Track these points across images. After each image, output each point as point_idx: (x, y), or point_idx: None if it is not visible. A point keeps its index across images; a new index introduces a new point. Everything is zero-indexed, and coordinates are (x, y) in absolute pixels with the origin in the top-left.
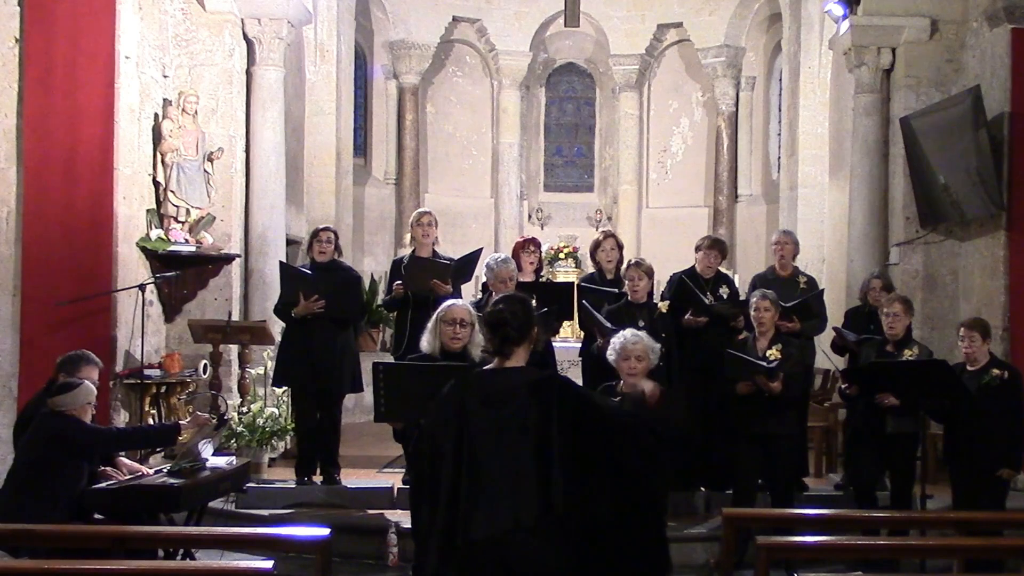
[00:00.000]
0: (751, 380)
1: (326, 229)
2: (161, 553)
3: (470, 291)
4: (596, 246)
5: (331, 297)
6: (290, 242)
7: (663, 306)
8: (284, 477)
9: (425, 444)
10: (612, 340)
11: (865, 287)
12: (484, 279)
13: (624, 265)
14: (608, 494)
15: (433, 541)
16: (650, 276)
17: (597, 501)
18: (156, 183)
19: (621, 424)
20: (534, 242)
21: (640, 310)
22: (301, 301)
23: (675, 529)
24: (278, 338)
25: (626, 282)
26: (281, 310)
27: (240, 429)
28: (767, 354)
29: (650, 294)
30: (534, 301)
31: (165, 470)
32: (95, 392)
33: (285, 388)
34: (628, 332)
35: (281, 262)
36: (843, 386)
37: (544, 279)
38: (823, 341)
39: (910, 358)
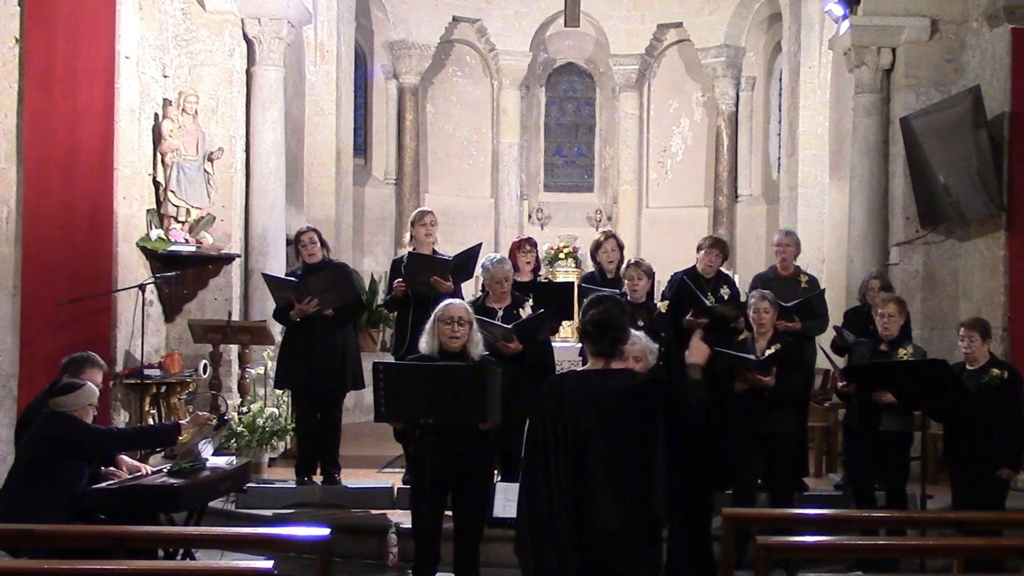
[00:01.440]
0: (744, 377)
1: (308, 230)
2: (161, 553)
3: (470, 291)
4: (597, 246)
5: (326, 293)
6: (290, 242)
7: (662, 306)
8: (284, 477)
9: (539, 435)
10: None
11: (863, 287)
12: (481, 279)
13: (624, 265)
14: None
15: (552, 534)
16: (649, 276)
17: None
18: (156, 183)
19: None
20: (530, 241)
21: (639, 310)
22: (295, 305)
23: None
24: (278, 338)
25: (625, 282)
26: (279, 314)
27: (240, 429)
28: (766, 354)
29: (650, 294)
30: (531, 301)
31: (165, 470)
32: (97, 393)
33: (285, 388)
34: None
35: (263, 274)
36: (841, 384)
37: (544, 279)
38: (824, 341)
39: (904, 357)
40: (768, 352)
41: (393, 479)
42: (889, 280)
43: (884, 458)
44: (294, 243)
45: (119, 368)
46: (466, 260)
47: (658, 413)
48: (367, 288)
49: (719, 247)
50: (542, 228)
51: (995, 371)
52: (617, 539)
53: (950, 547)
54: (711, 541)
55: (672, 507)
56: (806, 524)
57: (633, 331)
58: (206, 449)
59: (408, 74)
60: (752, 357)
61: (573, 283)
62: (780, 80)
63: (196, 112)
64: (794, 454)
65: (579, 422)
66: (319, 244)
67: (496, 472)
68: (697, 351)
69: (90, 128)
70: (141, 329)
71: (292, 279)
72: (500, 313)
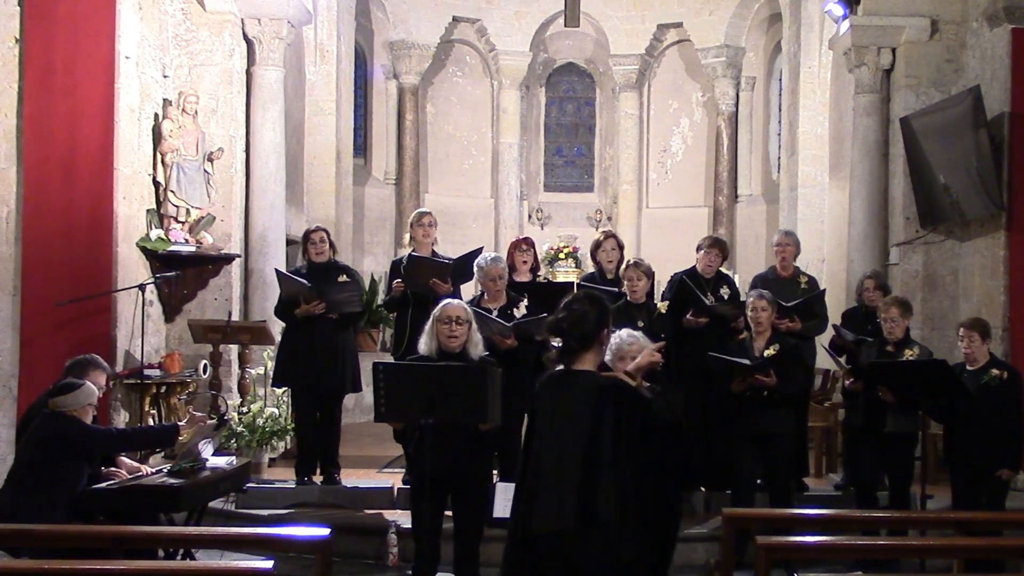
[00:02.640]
0: (743, 377)
1: (318, 229)
2: (161, 553)
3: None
4: (597, 246)
5: (337, 299)
6: (290, 242)
7: (662, 306)
8: (284, 477)
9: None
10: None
11: (859, 288)
12: (476, 279)
13: (623, 266)
14: (653, 496)
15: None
16: (649, 276)
17: (645, 504)
18: (156, 183)
19: (666, 427)
20: (527, 241)
21: (639, 310)
22: (302, 303)
23: None
24: (278, 338)
25: (625, 282)
26: (282, 311)
27: (240, 429)
28: (765, 355)
29: (649, 294)
30: (526, 301)
31: (165, 470)
32: (97, 394)
33: (285, 388)
34: (624, 332)
35: (276, 270)
36: (848, 381)
37: (543, 279)
38: (824, 341)
39: (910, 358)
40: (767, 352)
41: (393, 479)
42: (885, 280)
43: (889, 459)
44: (302, 241)
45: (119, 368)
46: (466, 263)
47: (612, 415)
48: (367, 288)
49: (718, 247)
50: (542, 228)
51: (995, 371)
52: (558, 540)
53: (950, 547)
54: (672, 547)
55: (626, 511)
56: (806, 524)
57: (632, 331)
58: (206, 449)
59: (408, 74)
60: (746, 361)
61: (570, 283)
62: (780, 80)
63: (196, 112)
64: (793, 454)
65: (539, 421)
66: (328, 244)
67: (496, 472)
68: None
69: (90, 128)
70: (141, 329)
71: (305, 281)
72: (495, 313)
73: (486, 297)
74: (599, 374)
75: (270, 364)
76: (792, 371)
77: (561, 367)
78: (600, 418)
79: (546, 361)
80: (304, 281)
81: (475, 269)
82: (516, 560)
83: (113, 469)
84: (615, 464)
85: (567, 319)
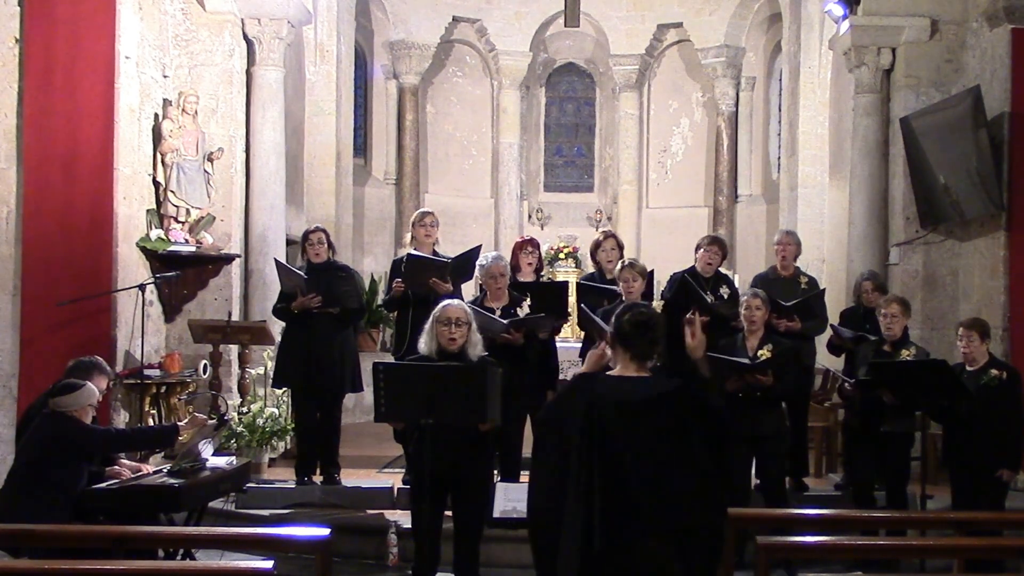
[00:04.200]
0: (739, 376)
1: (316, 230)
2: (161, 553)
3: (469, 292)
4: (596, 246)
5: (329, 294)
6: (290, 242)
7: (657, 306)
8: (284, 477)
9: (553, 437)
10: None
11: (857, 288)
12: (478, 278)
13: (618, 267)
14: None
15: (569, 542)
16: (644, 277)
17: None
18: (156, 183)
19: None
20: (532, 242)
21: None
22: (299, 296)
23: None
24: (278, 338)
25: (620, 284)
26: (280, 310)
27: (240, 429)
28: (758, 354)
29: (646, 295)
30: (528, 300)
31: (165, 470)
32: (97, 394)
33: (285, 388)
34: None
35: (276, 260)
36: (848, 383)
37: (546, 279)
38: (824, 341)
39: (907, 358)
40: (761, 352)
41: (393, 479)
42: (883, 280)
43: (885, 459)
44: (301, 241)
45: (119, 368)
46: (465, 261)
47: (693, 418)
48: (367, 288)
49: (717, 245)
50: (542, 228)
51: (994, 372)
52: (664, 546)
53: (950, 547)
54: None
55: (718, 512)
56: (806, 524)
57: None
58: (206, 449)
59: (408, 74)
60: (746, 361)
61: (568, 283)
62: (780, 80)
63: (196, 112)
64: (785, 455)
65: (613, 427)
66: (326, 245)
67: (496, 472)
68: (700, 342)
69: (90, 128)
70: (141, 329)
71: (302, 274)
72: (498, 312)
73: (488, 296)
74: (663, 378)
75: (270, 364)
76: (785, 372)
77: (619, 369)
78: (688, 423)
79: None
80: (301, 273)
81: (476, 268)
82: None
83: (115, 469)
84: (702, 464)
85: (645, 314)
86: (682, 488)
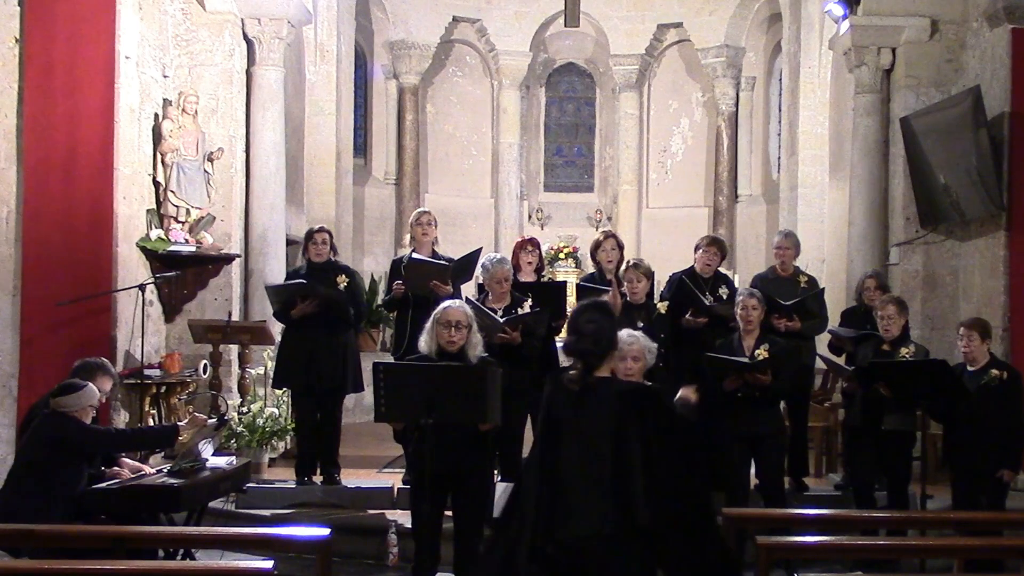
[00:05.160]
0: (738, 375)
1: (320, 230)
2: (161, 553)
3: (471, 291)
4: (596, 246)
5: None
6: (290, 242)
7: (662, 307)
8: (284, 477)
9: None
10: None
11: (859, 287)
12: (480, 280)
13: (623, 266)
14: (683, 501)
15: (524, 539)
16: (648, 277)
17: (676, 509)
18: (156, 183)
19: (693, 433)
20: (533, 242)
21: (639, 311)
22: (298, 303)
23: None
24: (278, 338)
25: (625, 283)
26: (280, 312)
27: (240, 429)
28: (755, 354)
29: (649, 295)
30: (529, 301)
31: (165, 470)
32: (97, 395)
33: (285, 388)
34: (624, 332)
35: (266, 286)
36: (846, 384)
37: (546, 279)
38: (824, 341)
39: (906, 357)
40: (758, 352)
41: (393, 479)
42: (885, 280)
43: (886, 457)
44: (304, 239)
45: (119, 368)
46: (466, 263)
47: (638, 420)
48: (367, 288)
49: (716, 246)
50: (542, 228)
51: (995, 371)
52: (591, 546)
53: (950, 547)
54: (724, 541)
55: (661, 516)
56: (806, 524)
57: (631, 330)
58: (206, 449)
59: (408, 74)
60: (745, 360)
61: (567, 283)
62: (780, 80)
63: (196, 112)
64: (783, 454)
65: (563, 430)
66: (329, 246)
67: (496, 472)
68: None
69: (90, 128)
70: (141, 329)
71: (292, 283)
72: (499, 313)
73: (490, 297)
74: (619, 379)
75: (270, 364)
76: (783, 371)
77: (575, 372)
78: (625, 423)
79: (569, 384)
80: (299, 281)
81: (480, 270)
82: (532, 567)
83: (115, 469)
84: (646, 468)
85: (588, 339)
86: (623, 489)
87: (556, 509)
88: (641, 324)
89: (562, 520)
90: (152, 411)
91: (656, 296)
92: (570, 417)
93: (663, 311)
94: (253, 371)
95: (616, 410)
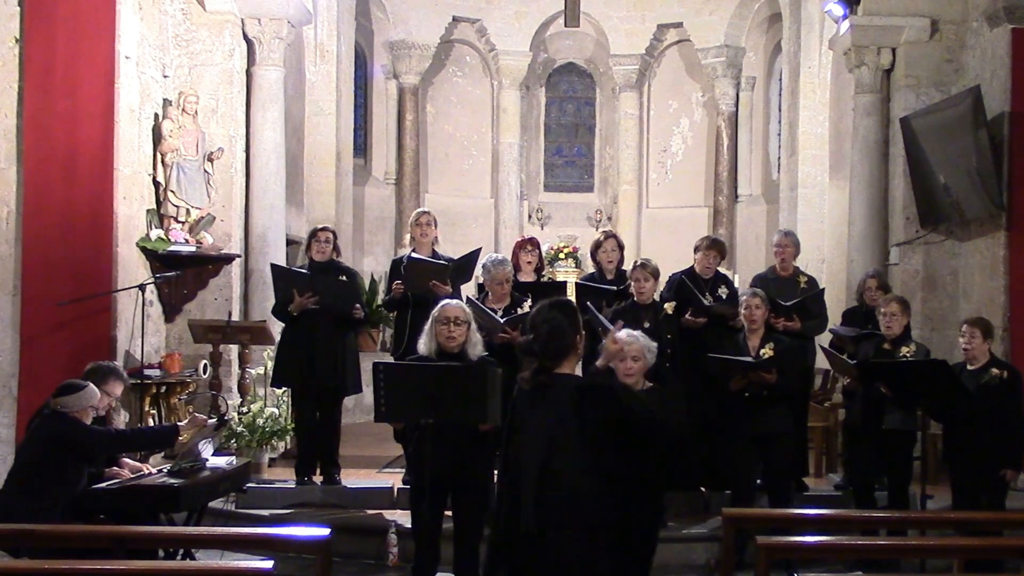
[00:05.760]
0: (743, 375)
1: (324, 229)
2: (161, 553)
3: (471, 291)
4: (597, 246)
5: (329, 295)
6: (290, 242)
7: (669, 307)
8: (284, 477)
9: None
10: None
11: (861, 287)
12: (481, 280)
13: (630, 266)
14: (634, 494)
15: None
16: (656, 277)
17: (627, 502)
18: (156, 183)
19: (648, 426)
20: (532, 242)
21: (646, 311)
22: (296, 298)
23: (675, 529)
24: (278, 338)
25: (632, 283)
26: (279, 311)
27: (240, 429)
28: (760, 353)
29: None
30: (529, 301)
31: (165, 470)
32: (98, 396)
33: (285, 388)
34: (624, 332)
35: (272, 264)
36: (846, 382)
37: (546, 279)
38: (824, 341)
39: (907, 356)
40: (763, 351)
41: (393, 479)
42: (887, 279)
43: (887, 457)
44: (307, 238)
45: None
46: (466, 264)
47: (590, 416)
48: (367, 288)
49: (716, 248)
50: (542, 228)
51: (995, 371)
52: (540, 541)
53: (950, 547)
54: (653, 552)
55: (613, 513)
56: (806, 524)
57: (630, 331)
58: (206, 449)
59: (408, 74)
60: (749, 359)
61: (567, 282)
62: (780, 80)
63: (196, 112)
64: (791, 454)
65: (518, 423)
66: (332, 246)
67: (496, 472)
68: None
69: (90, 128)
70: (141, 329)
71: (301, 271)
72: (500, 313)
73: (490, 297)
74: (578, 376)
75: (270, 364)
76: (787, 370)
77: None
78: (581, 419)
79: (522, 383)
80: (301, 271)
81: (480, 271)
82: (498, 561)
83: (115, 469)
84: (581, 466)
85: (540, 339)
86: (578, 485)
87: (514, 505)
88: (647, 324)
89: (519, 515)
90: (152, 411)
91: (656, 296)
92: (527, 415)
93: (670, 311)
94: (253, 371)
95: (571, 405)
